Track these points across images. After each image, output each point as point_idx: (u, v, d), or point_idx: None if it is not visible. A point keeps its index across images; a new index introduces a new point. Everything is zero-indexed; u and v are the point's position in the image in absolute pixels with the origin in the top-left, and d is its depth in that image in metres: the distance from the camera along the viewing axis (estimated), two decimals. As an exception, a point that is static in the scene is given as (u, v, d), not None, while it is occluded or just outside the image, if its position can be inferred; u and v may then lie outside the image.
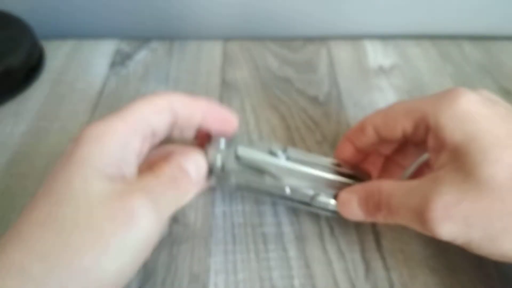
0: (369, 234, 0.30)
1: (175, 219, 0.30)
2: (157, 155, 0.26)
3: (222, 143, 0.28)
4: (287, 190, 0.28)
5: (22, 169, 0.33)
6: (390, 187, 0.25)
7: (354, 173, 0.29)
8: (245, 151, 0.28)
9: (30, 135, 0.36)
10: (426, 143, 0.25)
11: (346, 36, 0.48)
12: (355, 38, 0.48)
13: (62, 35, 0.47)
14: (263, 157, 0.28)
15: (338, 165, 0.30)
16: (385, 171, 0.30)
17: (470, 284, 0.27)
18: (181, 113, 0.25)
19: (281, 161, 0.28)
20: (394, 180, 0.26)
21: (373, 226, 0.30)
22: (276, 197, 0.28)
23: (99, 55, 0.45)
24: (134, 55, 0.45)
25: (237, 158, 0.28)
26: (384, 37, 0.48)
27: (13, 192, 0.31)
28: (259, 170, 0.28)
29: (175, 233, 0.29)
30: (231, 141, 0.28)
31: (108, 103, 0.39)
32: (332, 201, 0.28)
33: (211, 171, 0.27)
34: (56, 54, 0.44)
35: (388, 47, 0.47)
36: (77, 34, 0.47)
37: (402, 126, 0.26)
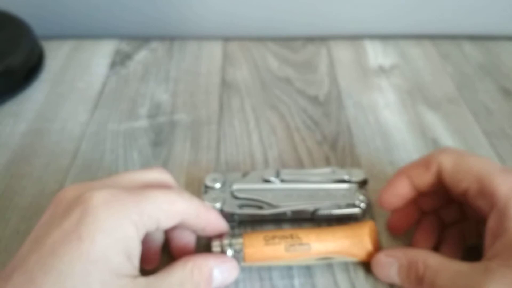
0: (369, 234, 0.30)
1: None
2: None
3: (217, 185, 0.29)
4: (288, 214, 0.29)
5: (22, 169, 0.33)
6: (437, 264, 0.23)
7: (349, 178, 0.30)
8: (240, 188, 0.29)
9: (30, 135, 0.36)
10: (483, 216, 0.23)
11: (346, 36, 0.48)
12: (355, 38, 0.48)
13: (62, 35, 0.47)
14: (258, 188, 0.30)
15: (332, 172, 0.30)
16: (421, 223, 0.28)
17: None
18: (188, 222, 0.24)
19: (276, 185, 0.30)
20: (440, 256, 0.23)
21: (373, 226, 0.30)
22: (280, 221, 0.30)
23: (99, 55, 0.45)
24: (134, 55, 0.45)
25: (234, 196, 0.29)
26: (384, 37, 0.48)
27: (13, 192, 0.31)
28: (257, 202, 0.29)
29: (175, 233, 0.29)
30: (225, 179, 0.30)
31: (108, 103, 0.39)
32: (334, 211, 0.29)
33: None
34: (56, 54, 0.44)
35: (388, 47, 0.47)
36: (77, 34, 0.47)
37: (467, 185, 0.23)
